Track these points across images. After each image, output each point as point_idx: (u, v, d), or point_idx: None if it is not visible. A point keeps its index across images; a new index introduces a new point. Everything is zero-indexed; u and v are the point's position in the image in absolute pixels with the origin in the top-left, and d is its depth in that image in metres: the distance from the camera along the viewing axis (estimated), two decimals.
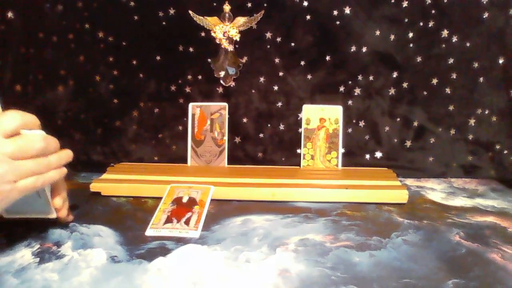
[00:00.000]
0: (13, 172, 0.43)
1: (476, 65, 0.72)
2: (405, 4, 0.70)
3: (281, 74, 0.74)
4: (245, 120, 0.77)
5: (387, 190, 0.65)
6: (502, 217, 0.60)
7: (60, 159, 0.49)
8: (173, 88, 0.76)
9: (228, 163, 0.76)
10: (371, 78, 0.74)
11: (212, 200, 0.63)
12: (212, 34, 0.72)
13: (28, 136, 0.45)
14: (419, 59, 0.72)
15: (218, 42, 0.72)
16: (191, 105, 0.76)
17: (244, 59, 0.74)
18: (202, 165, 0.76)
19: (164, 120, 0.77)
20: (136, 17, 0.71)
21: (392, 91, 0.75)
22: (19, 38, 0.72)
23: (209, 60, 0.74)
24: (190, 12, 0.71)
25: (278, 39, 0.72)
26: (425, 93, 0.74)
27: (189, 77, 0.75)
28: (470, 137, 0.76)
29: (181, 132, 0.77)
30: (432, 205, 0.65)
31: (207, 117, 0.76)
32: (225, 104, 0.76)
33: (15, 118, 0.45)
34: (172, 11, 0.71)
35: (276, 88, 0.75)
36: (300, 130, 0.76)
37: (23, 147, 0.44)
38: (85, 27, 0.72)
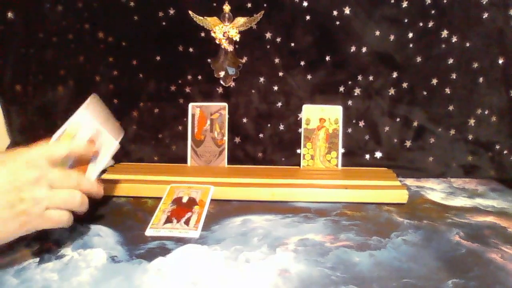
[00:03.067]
0: (49, 199, 0.44)
1: (476, 65, 0.72)
2: (405, 4, 0.70)
3: (281, 74, 0.74)
4: (245, 120, 0.77)
5: (387, 190, 0.65)
6: (502, 217, 0.60)
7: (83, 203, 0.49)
8: (173, 88, 0.76)
9: (228, 163, 0.76)
10: (371, 78, 0.74)
11: (212, 200, 0.63)
12: (212, 34, 0.72)
13: (69, 171, 0.48)
14: (419, 59, 0.72)
15: (218, 42, 0.72)
16: (191, 105, 0.76)
17: (244, 59, 0.74)
18: (202, 165, 0.76)
19: (164, 120, 0.77)
20: (136, 17, 0.71)
21: (392, 91, 0.75)
22: (19, 38, 0.72)
23: (209, 60, 0.74)
24: (190, 12, 0.71)
25: (278, 39, 0.72)
26: (425, 93, 0.74)
27: (189, 77, 0.75)
28: (470, 137, 0.76)
29: (181, 132, 0.77)
30: (432, 205, 0.65)
31: (207, 117, 0.76)
32: (225, 104, 0.76)
33: (65, 148, 0.48)
34: (172, 11, 0.71)
35: (276, 88, 0.75)
36: (300, 130, 0.76)
37: (64, 178, 0.46)
38: (85, 27, 0.72)
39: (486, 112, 0.74)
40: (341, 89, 0.75)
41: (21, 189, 0.42)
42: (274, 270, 0.45)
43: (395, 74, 0.74)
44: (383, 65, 0.73)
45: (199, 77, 0.75)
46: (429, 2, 0.69)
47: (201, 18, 0.71)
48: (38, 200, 0.43)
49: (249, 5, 0.70)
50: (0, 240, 0.43)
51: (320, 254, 0.49)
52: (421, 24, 0.70)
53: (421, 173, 0.77)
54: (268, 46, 0.73)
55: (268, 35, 0.72)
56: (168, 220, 0.57)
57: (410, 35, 0.71)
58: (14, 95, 0.74)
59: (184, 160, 0.77)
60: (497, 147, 0.76)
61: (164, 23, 0.72)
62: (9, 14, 0.70)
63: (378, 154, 0.77)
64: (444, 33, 0.71)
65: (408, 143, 0.77)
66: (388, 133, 0.77)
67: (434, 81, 0.73)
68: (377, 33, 0.71)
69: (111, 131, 0.57)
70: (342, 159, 0.75)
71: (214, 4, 0.71)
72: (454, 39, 0.71)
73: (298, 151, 0.77)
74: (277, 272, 0.45)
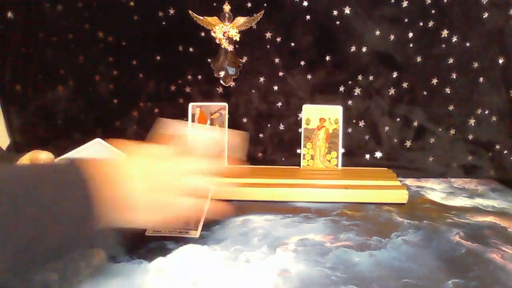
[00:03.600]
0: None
1: (476, 65, 0.72)
2: (405, 4, 0.70)
3: (281, 74, 0.74)
4: (245, 120, 0.77)
5: (387, 190, 0.65)
6: (502, 217, 0.60)
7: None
8: (173, 88, 0.76)
9: (228, 163, 0.76)
10: (371, 78, 0.74)
11: (212, 200, 0.63)
12: (212, 34, 0.72)
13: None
14: (419, 59, 0.72)
15: (218, 42, 0.72)
16: (191, 105, 0.76)
17: (244, 59, 0.74)
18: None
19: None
20: (136, 17, 0.71)
21: (392, 91, 0.75)
22: (19, 38, 0.72)
23: (209, 60, 0.74)
24: (190, 12, 0.71)
25: (278, 39, 0.72)
26: (425, 93, 0.74)
27: (189, 77, 0.75)
28: (470, 137, 0.76)
29: None
30: (432, 205, 0.65)
31: (207, 117, 0.76)
32: (225, 104, 0.76)
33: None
34: (172, 11, 0.71)
35: (276, 88, 0.75)
36: (300, 130, 0.76)
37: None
38: (85, 27, 0.72)
39: (486, 112, 0.74)
40: (341, 89, 0.75)
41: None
42: (274, 270, 0.45)
43: (395, 74, 0.74)
44: (383, 65, 0.73)
45: (199, 77, 0.75)
46: (429, 2, 0.69)
47: (201, 18, 0.71)
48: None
49: (249, 5, 0.70)
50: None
51: (320, 254, 0.49)
52: (421, 24, 0.70)
53: (421, 173, 0.77)
54: (268, 46, 0.73)
55: (268, 35, 0.72)
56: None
57: (410, 35, 0.71)
58: (14, 95, 0.74)
59: None
60: (497, 147, 0.75)
61: (164, 23, 0.72)
62: (9, 14, 0.70)
63: (378, 154, 0.77)
64: (444, 33, 0.71)
65: (408, 143, 0.77)
66: (388, 133, 0.77)
67: (434, 81, 0.73)
68: (377, 33, 0.71)
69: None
70: (342, 159, 0.75)
71: (214, 4, 0.71)
72: (454, 39, 0.71)
73: (298, 151, 0.76)
74: (277, 272, 0.45)
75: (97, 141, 0.54)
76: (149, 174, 0.42)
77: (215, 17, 0.71)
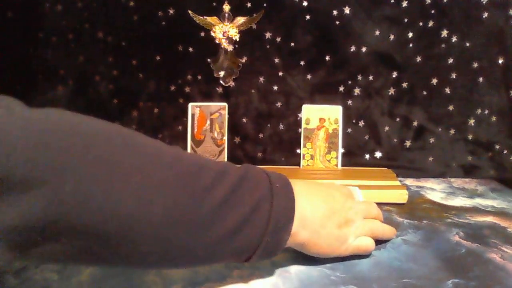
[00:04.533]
0: (362, 226, 0.46)
1: (476, 65, 0.72)
2: (405, 4, 0.70)
3: (280, 74, 0.74)
4: (244, 120, 0.77)
5: (386, 190, 0.65)
6: (502, 217, 0.60)
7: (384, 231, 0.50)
8: (172, 88, 0.76)
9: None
10: (370, 78, 0.74)
11: None
12: (212, 34, 0.72)
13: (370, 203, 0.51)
14: (419, 59, 0.72)
15: (217, 42, 0.72)
16: (190, 105, 0.76)
17: (244, 59, 0.74)
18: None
19: (163, 120, 0.77)
20: (135, 17, 0.71)
21: (391, 91, 0.75)
22: (19, 38, 0.72)
23: (208, 60, 0.74)
24: (190, 12, 0.71)
25: (278, 39, 0.72)
26: (425, 93, 0.74)
27: (189, 77, 0.75)
28: (470, 137, 0.76)
29: (181, 132, 0.77)
30: (431, 205, 0.65)
31: (206, 117, 0.76)
32: (225, 104, 0.76)
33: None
34: (171, 11, 0.71)
35: (275, 88, 0.75)
36: (299, 130, 0.76)
37: (370, 209, 0.49)
38: (85, 27, 0.72)
39: (486, 112, 0.74)
40: (341, 89, 0.75)
41: (348, 212, 0.45)
42: (274, 270, 0.45)
43: (395, 74, 0.74)
44: (383, 65, 0.73)
45: (199, 77, 0.75)
46: (429, 2, 0.69)
47: (201, 17, 0.71)
48: (358, 225, 0.45)
49: (249, 4, 0.70)
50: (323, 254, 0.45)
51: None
52: (421, 24, 0.70)
53: (421, 173, 0.77)
54: (268, 46, 0.73)
55: (268, 35, 0.72)
56: None
57: (410, 35, 0.71)
58: (14, 95, 0.74)
59: None
60: (497, 147, 0.75)
61: (164, 23, 0.72)
62: (9, 14, 0.70)
63: (378, 154, 0.77)
64: (444, 33, 0.71)
65: (408, 143, 0.77)
66: (388, 133, 0.77)
67: (434, 81, 0.73)
68: (377, 33, 0.71)
69: None
70: (342, 159, 0.75)
71: (214, 4, 0.71)
72: (454, 39, 0.71)
73: (298, 151, 0.77)
74: (277, 272, 0.45)
75: None
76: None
77: (215, 17, 0.71)
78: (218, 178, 0.36)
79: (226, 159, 0.76)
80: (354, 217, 0.46)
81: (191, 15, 0.71)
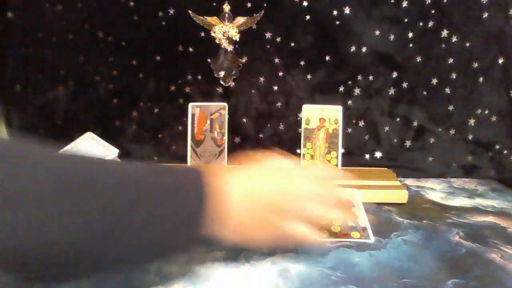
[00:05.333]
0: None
1: (476, 65, 0.72)
2: (405, 4, 0.70)
3: (280, 74, 0.74)
4: (245, 120, 0.77)
5: (387, 190, 0.65)
6: (502, 217, 0.60)
7: None
8: (172, 88, 0.76)
9: (228, 163, 0.76)
10: (370, 78, 0.74)
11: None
12: (212, 34, 0.72)
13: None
14: (419, 59, 0.72)
15: (217, 42, 0.72)
16: (190, 105, 0.76)
17: (244, 59, 0.74)
18: (201, 165, 0.76)
19: (164, 120, 0.77)
20: (135, 17, 0.71)
21: (391, 91, 0.75)
22: (19, 38, 0.72)
23: (208, 60, 0.74)
24: (190, 12, 0.71)
25: (278, 39, 0.72)
26: (425, 93, 0.74)
27: (189, 77, 0.75)
28: (470, 137, 0.76)
29: (181, 132, 0.77)
30: (431, 205, 0.65)
31: (207, 117, 0.76)
32: (225, 104, 0.76)
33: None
34: (171, 11, 0.71)
35: (275, 88, 0.75)
36: (299, 130, 0.76)
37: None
38: (85, 27, 0.72)
39: (486, 112, 0.74)
40: (341, 89, 0.75)
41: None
42: (274, 270, 0.45)
43: (395, 74, 0.74)
44: (383, 65, 0.73)
45: (199, 77, 0.75)
46: (429, 2, 0.69)
47: (201, 17, 0.71)
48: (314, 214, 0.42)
49: (249, 4, 0.70)
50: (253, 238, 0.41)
51: (320, 254, 0.49)
52: (421, 24, 0.70)
53: (421, 173, 0.77)
54: (268, 46, 0.73)
55: (268, 35, 0.72)
56: None
57: (410, 35, 0.71)
58: (14, 95, 0.74)
59: (184, 160, 0.77)
60: (497, 147, 0.75)
61: (164, 23, 0.72)
62: (9, 14, 0.70)
63: (378, 154, 0.77)
64: (444, 33, 0.71)
65: (408, 143, 0.77)
66: (388, 133, 0.77)
67: (434, 81, 0.73)
68: (377, 33, 0.71)
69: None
70: (342, 159, 0.75)
71: (214, 4, 0.71)
72: (454, 39, 0.71)
73: (298, 151, 0.77)
74: (277, 272, 0.45)
75: (89, 136, 0.54)
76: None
77: (215, 17, 0.71)
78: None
79: (226, 159, 0.76)
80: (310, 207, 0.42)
81: (191, 15, 0.71)
